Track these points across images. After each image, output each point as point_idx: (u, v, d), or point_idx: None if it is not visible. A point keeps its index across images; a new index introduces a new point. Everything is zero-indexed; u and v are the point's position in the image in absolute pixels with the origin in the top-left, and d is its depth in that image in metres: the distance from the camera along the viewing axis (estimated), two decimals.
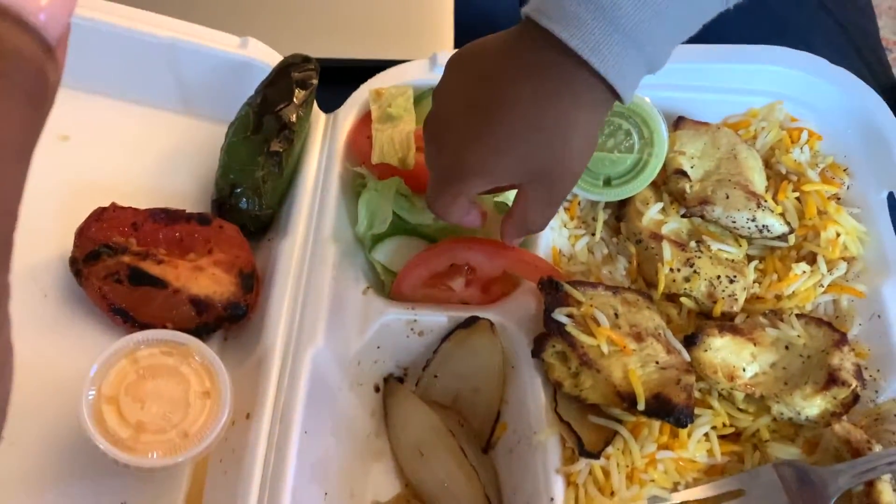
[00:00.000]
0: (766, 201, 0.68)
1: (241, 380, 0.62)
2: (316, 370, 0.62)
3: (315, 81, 0.73)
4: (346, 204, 0.72)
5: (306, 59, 0.74)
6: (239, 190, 0.68)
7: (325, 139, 0.74)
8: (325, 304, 0.64)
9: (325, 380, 0.63)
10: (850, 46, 1.07)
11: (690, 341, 0.63)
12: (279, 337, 0.63)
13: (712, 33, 1.00)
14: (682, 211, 0.71)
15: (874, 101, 0.74)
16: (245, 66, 0.76)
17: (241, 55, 0.76)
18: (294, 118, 0.70)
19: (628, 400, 0.59)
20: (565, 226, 0.74)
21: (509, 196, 0.71)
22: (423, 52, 0.79)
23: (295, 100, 0.71)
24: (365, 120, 0.74)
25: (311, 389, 0.61)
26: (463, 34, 0.96)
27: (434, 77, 0.77)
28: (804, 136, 0.75)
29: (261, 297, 0.66)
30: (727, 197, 0.68)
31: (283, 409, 0.60)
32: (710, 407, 0.64)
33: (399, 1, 0.97)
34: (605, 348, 0.60)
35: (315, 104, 0.75)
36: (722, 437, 0.63)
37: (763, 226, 0.68)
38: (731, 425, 0.64)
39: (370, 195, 0.69)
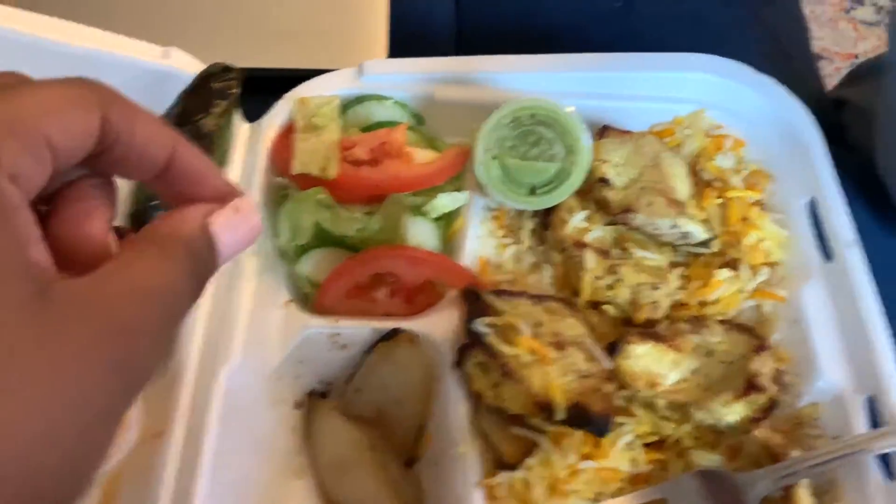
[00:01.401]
0: (688, 208, 0.68)
1: (152, 398, 0.60)
2: (232, 387, 0.60)
3: (236, 91, 0.72)
4: (268, 216, 0.70)
5: (227, 69, 0.73)
6: (154, 202, 0.66)
7: (247, 150, 0.73)
8: (243, 319, 0.63)
9: (243, 396, 0.61)
10: (783, 56, 1.09)
11: (612, 349, 0.63)
12: (193, 353, 0.61)
13: (644, 45, 1.01)
14: (607, 219, 0.70)
15: (796, 109, 0.74)
16: (167, 77, 0.74)
17: (163, 66, 0.74)
18: (213, 129, 0.69)
19: (547, 410, 0.58)
20: (493, 235, 0.73)
21: (442, 206, 0.70)
22: (355, 61, 0.79)
23: (214, 110, 0.70)
24: (289, 130, 0.73)
25: (227, 407, 0.59)
26: (398, 43, 0.95)
27: (361, 86, 0.77)
28: (728, 142, 0.75)
29: None
30: (649, 204, 0.68)
31: (195, 428, 0.58)
32: (634, 415, 0.63)
33: (332, 10, 0.97)
34: (525, 358, 0.60)
35: (239, 114, 0.74)
36: (646, 446, 0.63)
37: (685, 232, 0.68)
38: (655, 433, 0.63)
39: (291, 206, 0.68)
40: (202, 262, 0.34)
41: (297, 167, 0.67)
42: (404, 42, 0.99)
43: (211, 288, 0.64)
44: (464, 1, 1.06)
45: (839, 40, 2.90)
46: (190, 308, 0.34)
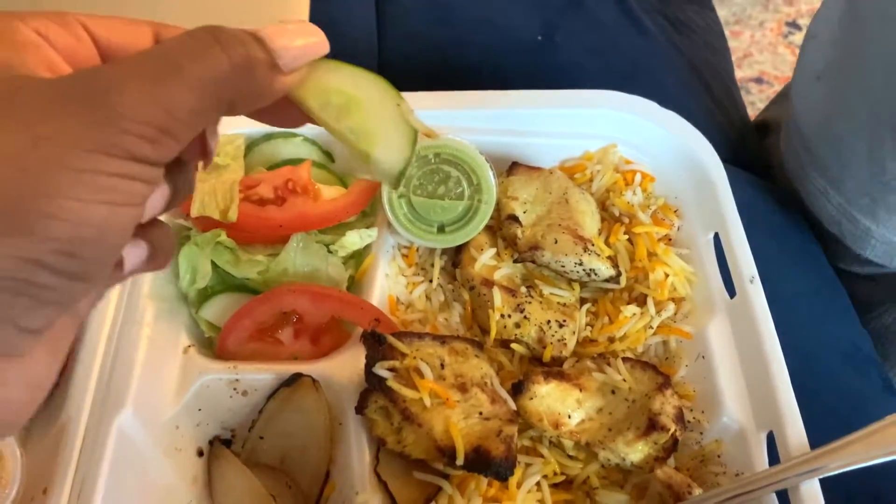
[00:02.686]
0: (593, 245, 0.69)
1: (39, 452, 0.58)
2: (123, 438, 0.58)
3: None
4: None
5: None
6: None
7: None
8: (137, 367, 0.61)
9: (135, 448, 0.59)
10: (701, 84, 1.11)
11: (517, 389, 0.62)
12: (85, 404, 0.59)
13: (565, 77, 1.02)
14: (516, 256, 0.70)
15: (701, 144, 0.75)
16: None
17: None
18: None
19: (448, 454, 0.57)
20: (403, 273, 0.72)
21: (350, 244, 0.69)
22: None
23: None
24: None
25: (117, 459, 0.57)
26: None
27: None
28: (638, 178, 0.76)
29: (68, 362, 0.62)
30: (556, 242, 0.68)
31: (83, 483, 0.56)
32: (541, 455, 0.63)
33: None
34: (427, 402, 0.59)
35: None
36: (553, 486, 0.62)
37: (590, 269, 0.68)
38: (563, 473, 0.63)
39: (190, 249, 0.66)
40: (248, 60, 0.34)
41: (196, 209, 0.66)
42: None
43: (105, 334, 0.62)
44: (385, 36, 1.06)
45: (778, 64, 2.99)
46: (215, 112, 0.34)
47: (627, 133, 0.77)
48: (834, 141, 0.87)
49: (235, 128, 0.74)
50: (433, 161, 0.69)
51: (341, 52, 1.11)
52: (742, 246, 0.69)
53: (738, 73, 2.92)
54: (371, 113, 0.40)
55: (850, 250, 0.92)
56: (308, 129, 0.76)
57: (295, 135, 0.75)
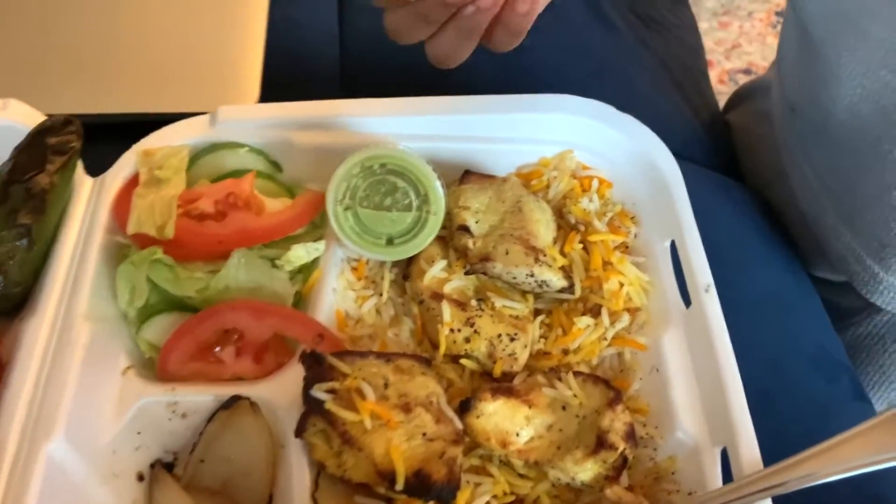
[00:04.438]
0: (545, 255, 0.67)
1: None
2: (53, 466, 0.56)
3: (76, 145, 0.68)
4: (108, 277, 0.66)
5: (67, 122, 0.69)
6: None
7: (88, 206, 0.69)
8: (70, 391, 0.59)
9: (67, 476, 0.57)
10: (672, 81, 1.08)
11: (464, 407, 0.61)
12: (13, 432, 0.57)
13: (534, 77, 1.00)
14: (467, 268, 0.68)
15: (659, 149, 0.73)
16: (5, 131, 0.70)
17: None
18: (47, 186, 0.65)
19: (389, 479, 0.56)
20: (351, 287, 0.70)
21: (296, 258, 0.68)
22: (227, 104, 0.75)
23: (49, 167, 0.66)
24: (133, 184, 0.69)
25: (47, 489, 0.55)
26: (277, 85, 0.92)
27: (216, 134, 0.74)
28: (595, 184, 0.74)
29: (1, 387, 0.60)
30: (507, 253, 0.66)
31: None
32: (490, 475, 0.61)
33: (204, 50, 0.94)
34: (368, 424, 0.57)
35: (80, 168, 0.70)
36: None
37: (542, 281, 0.66)
38: (513, 493, 0.61)
39: (128, 267, 0.64)
40: None
41: (132, 226, 0.64)
42: (284, 79, 0.96)
43: (37, 357, 0.60)
44: (348, 38, 1.03)
45: (767, 55, 2.96)
46: None
47: (584, 138, 0.75)
48: (842, 175, 0.83)
49: (180, 139, 0.72)
50: (378, 172, 0.67)
51: (302, 54, 1.08)
52: (698, 254, 0.67)
53: (727, 65, 2.90)
54: None
55: (824, 258, 0.90)
56: (257, 139, 0.73)
57: (241, 145, 0.73)
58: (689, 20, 1.23)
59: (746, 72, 2.88)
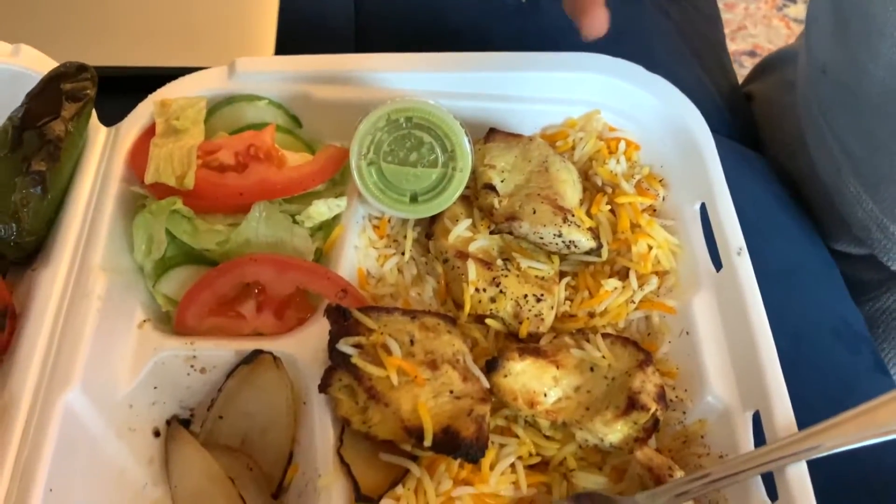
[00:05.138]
0: (573, 216, 0.65)
1: None
2: (70, 418, 0.55)
3: (91, 92, 0.66)
4: (124, 228, 0.65)
5: (82, 68, 0.67)
6: None
7: (103, 156, 0.67)
8: (86, 343, 0.57)
9: (83, 428, 0.56)
10: (691, 51, 1.07)
11: (491, 366, 0.59)
12: (29, 382, 0.55)
13: (548, 39, 0.98)
14: (492, 227, 0.67)
15: (689, 111, 0.72)
16: (17, 77, 0.68)
17: (11, 65, 0.68)
18: (61, 133, 0.63)
19: (416, 435, 0.54)
20: (373, 246, 0.69)
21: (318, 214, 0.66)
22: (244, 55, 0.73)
23: (64, 113, 0.64)
24: (150, 134, 0.67)
25: (63, 440, 0.54)
26: (291, 39, 0.90)
27: (233, 86, 0.71)
28: (622, 146, 0.72)
29: (11, 339, 0.58)
30: (534, 212, 0.65)
31: (25, 465, 0.52)
32: (516, 435, 0.60)
33: (217, 3, 0.91)
34: (395, 380, 0.55)
35: (94, 117, 0.68)
36: (529, 468, 0.59)
37: (570, 241, 0.64)
38: (538, 454, 0.60)
39: (145, 218, 0.62)
40: None
41: (150, 176, 0.62)
42: (298, 38, 0.94)
43: (52, 308, 0.59)
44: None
45: (772, 37, 2.94)
46: None
47: (612, 98, 0.73)
48: (869, 139, 0.81)
49: (197, 90, 0.70)
50: (404, 126, 0.65)
51: (318, 14, 1.05)
52: (730, 216, 0.65)
53: (732, 46, 2.87)
54: None
55: (845, 230, 0.88)
56: (275, 92, 0.71)
57: (259, 98, 0.70)
58: None
59: (751, 54, 2.86)
